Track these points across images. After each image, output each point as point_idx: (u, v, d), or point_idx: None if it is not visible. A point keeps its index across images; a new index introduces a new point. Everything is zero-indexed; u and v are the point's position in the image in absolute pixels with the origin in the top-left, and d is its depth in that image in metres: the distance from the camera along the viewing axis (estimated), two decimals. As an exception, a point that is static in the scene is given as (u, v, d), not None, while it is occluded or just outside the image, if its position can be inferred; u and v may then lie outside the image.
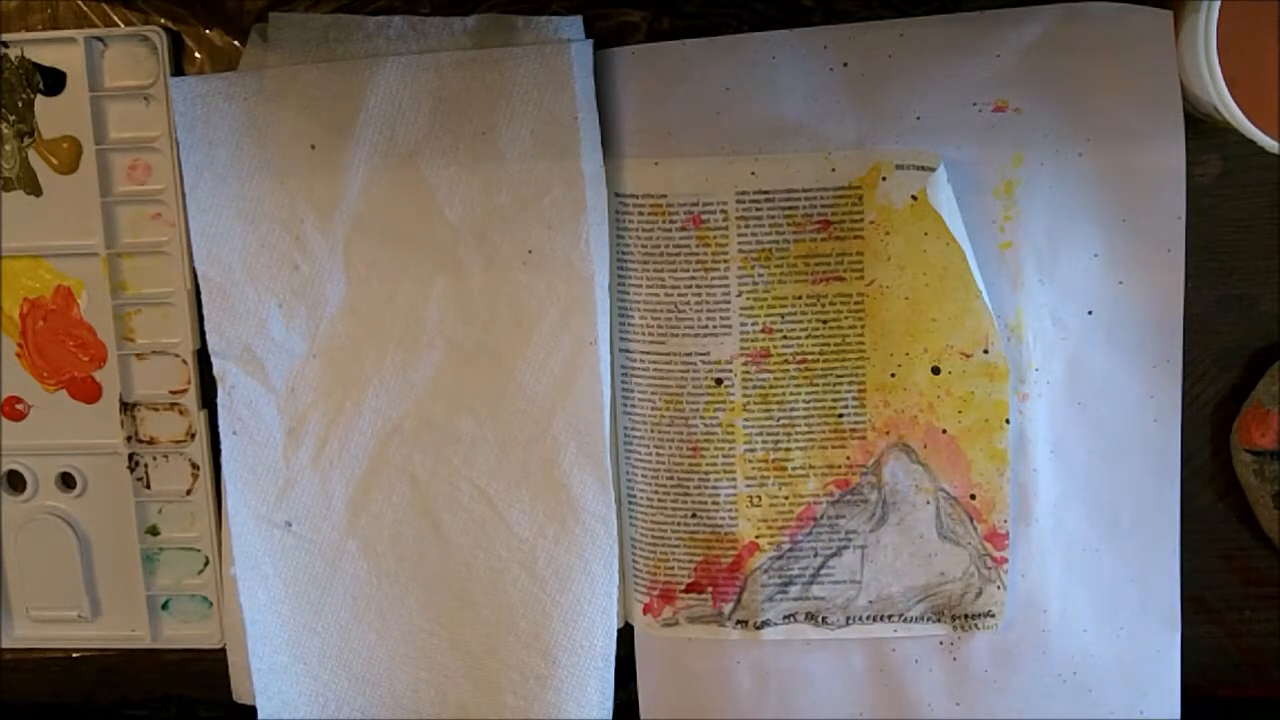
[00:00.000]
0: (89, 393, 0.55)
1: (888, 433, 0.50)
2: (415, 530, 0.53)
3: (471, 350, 0.51)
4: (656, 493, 0.52)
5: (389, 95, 0.49)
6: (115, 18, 0.52)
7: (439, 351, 0.51)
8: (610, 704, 0.53)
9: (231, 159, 0.50)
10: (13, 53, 0.52)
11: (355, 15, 0.50)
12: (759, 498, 0.51)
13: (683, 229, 0.50)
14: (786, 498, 0.51)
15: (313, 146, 0.50)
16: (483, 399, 0.51)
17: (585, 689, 0.52)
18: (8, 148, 0.53)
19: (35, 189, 0.53)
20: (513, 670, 0.53)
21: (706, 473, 0.51)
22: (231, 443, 0.52)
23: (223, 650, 0.56)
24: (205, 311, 0.51)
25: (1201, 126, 0.49)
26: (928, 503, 0.51)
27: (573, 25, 0.50)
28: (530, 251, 0.50)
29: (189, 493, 0.54)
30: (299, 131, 0.50)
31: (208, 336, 0.51)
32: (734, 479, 0.51)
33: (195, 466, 0.54)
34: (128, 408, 0.54)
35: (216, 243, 0.51)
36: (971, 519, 0.51)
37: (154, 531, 0.55)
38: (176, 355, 0.54)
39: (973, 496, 0.51)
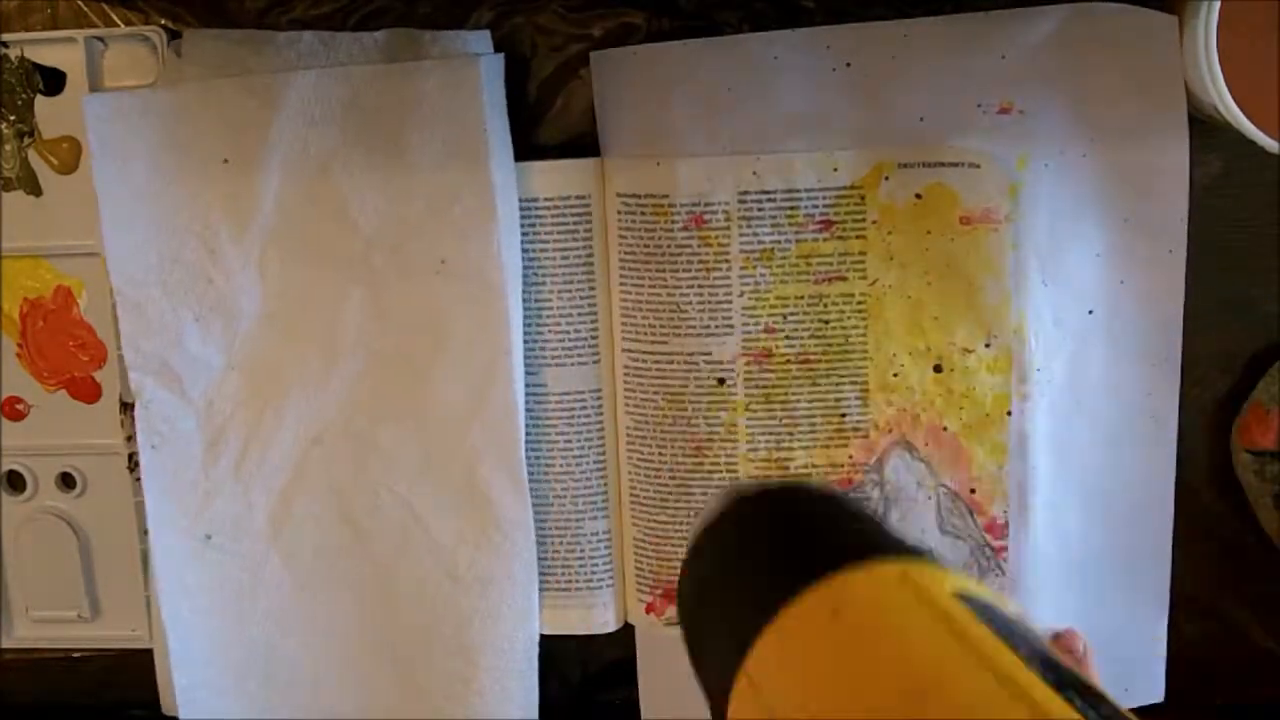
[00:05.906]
0: (89, 393, 0.54)
1: (890, 431, 0.51)
2: (338, 540, 0.52)
3: (390, 360, 0.51)
4: (659, 492, 0.52)
5: (301, 108, 0.49)
6: (115, 18, 0.52)
7: (358, 362, 0.51)
8: (535, 705, 0.53)
9: (147, 174, 0.50)
10: (13, 53, 0.52)
11: (266, 30, 0.50)
12: (762, 497, 0.51)
13: (685, 229, 0.50)
14: (789, 497, 0.51)
15: (226, 160, 0.49)
16: (402, 409, 0.51)
17: (509, 691, 0.52)
18: (8, 148, 0.52)
19: (35, 189, 0.53)
20: (439, 675, 0.53)
21: (710, 472, 0.51)
22: (150, 456, 0.52)
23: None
24: (121, 326, 0.51)
25: (1201, 126, 0.48)
26: (929, 498, 0.51)
27: (481, 40, 0.49)
28: (443, 261, 0.50)
29: (190, 493, 0.54)
30: (213, 145, 0.49)
31: (124, 351, 0.51)
32: (737, 478, 0.51)
33: (196, 466, 0.54)
34: (128, 408, 0.54)
35: (131, 258, 0.50)
36: (972, 512, 0.51)
37: (154, 531, 0.55)
38: (177, 355, 0.53)
39: (973, 490, 0.51)
